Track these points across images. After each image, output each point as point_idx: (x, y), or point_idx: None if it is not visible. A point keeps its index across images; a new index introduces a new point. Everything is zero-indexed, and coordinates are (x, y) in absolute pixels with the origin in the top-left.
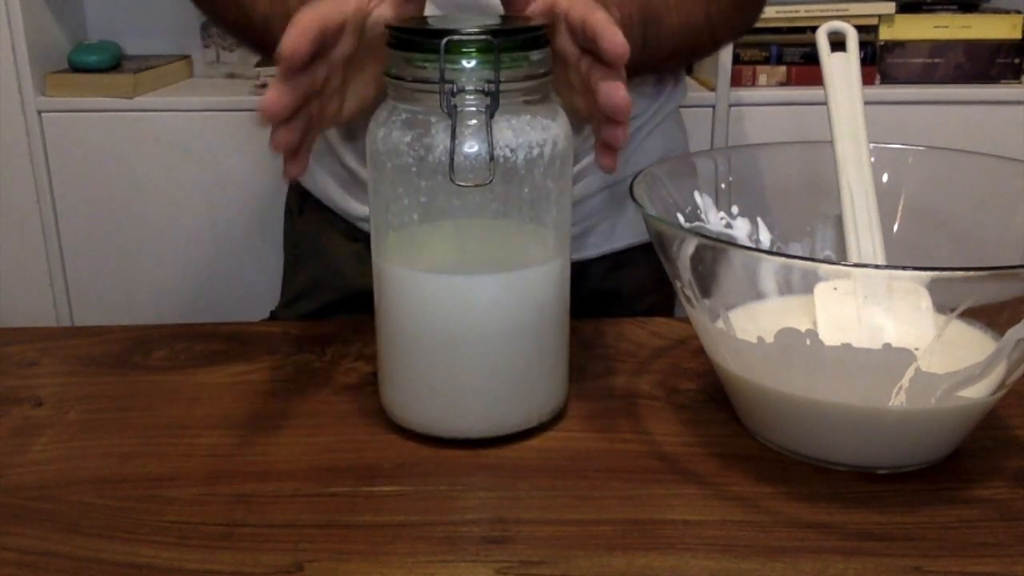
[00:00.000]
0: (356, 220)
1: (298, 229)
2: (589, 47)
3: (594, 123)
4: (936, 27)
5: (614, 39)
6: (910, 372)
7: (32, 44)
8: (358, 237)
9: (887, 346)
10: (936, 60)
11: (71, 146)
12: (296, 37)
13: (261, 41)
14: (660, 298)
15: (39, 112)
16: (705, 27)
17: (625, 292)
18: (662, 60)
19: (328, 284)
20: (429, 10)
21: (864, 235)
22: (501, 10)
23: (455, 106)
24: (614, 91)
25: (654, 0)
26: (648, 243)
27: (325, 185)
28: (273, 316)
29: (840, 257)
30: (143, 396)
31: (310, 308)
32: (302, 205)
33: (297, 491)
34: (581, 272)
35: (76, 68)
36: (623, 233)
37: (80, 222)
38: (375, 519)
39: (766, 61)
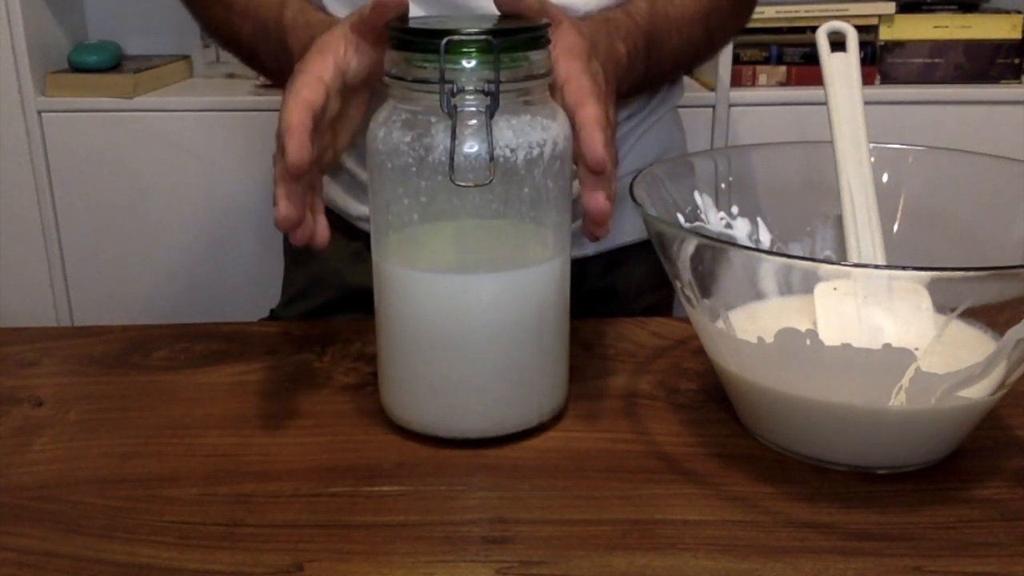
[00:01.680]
0: (354, 220)
1: None
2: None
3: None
4: (936, 27)
5: (593, 150)
6: (910, 372)
7: (32, 44)
8: (357, 236)
9: (887, 346)
10: (936, 60)
11: (71, 146)
12: (297, 147)
13: (249, 61)
14: (658, 297)
15: (39, 112)
16: (705, 40)
17: (622, 291)
18: (665, 77)
19: (327, 283)
20: (421, 12)
21: (864, 235)
22: (491, 12)
23: (455, 106)
24: (593, 201)
25: (658, 25)
26: (645, 241)
27: (323, 185)
28: (273, 315)
29: (840, 257)
30: (143, 396)
31: (309, 307)
32: None
33: (297, 491)
34: (578, 271)
35: (76, 68)
36: (619, 231)
37: (80, 222)
38: (375, 519)
39: (766, 61)
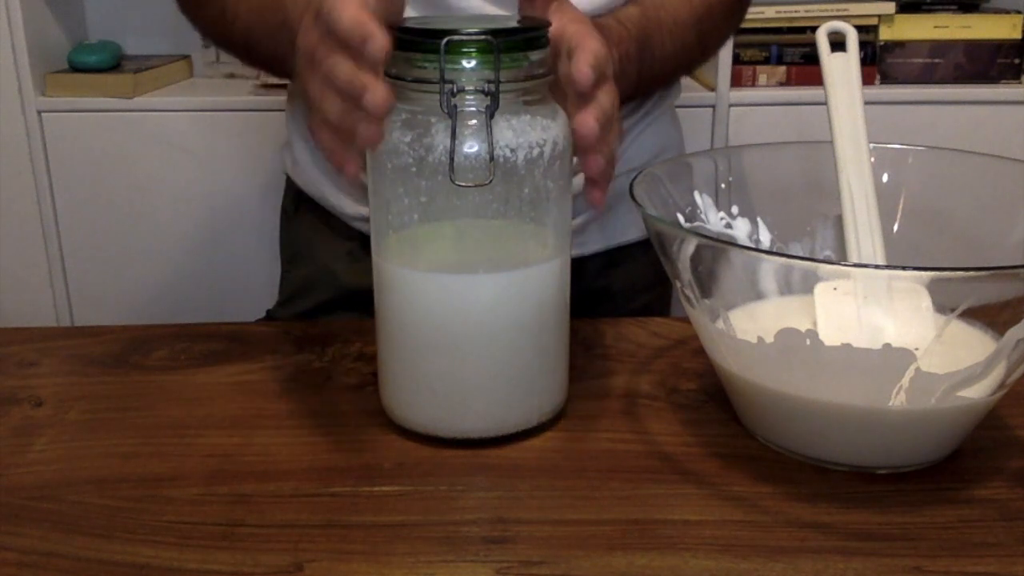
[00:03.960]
0: (350, 219)
1: (293, 229)
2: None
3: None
4: (936, 27)
5: (580, 67)
6: (910, 372)
7: (32, 44)
8: (352, 236)
9: (887, 346)
10: (936, 60)
11: (71, 146)
12: (382, 33)
13: (246, 52)
14: (654, 296)
15: (39, 112)
16: (697, 45)
17: (619, 290)
18: (658, 84)
19: (322, 283)
20: (415, 14)
21: (864, 235)
22: (486, 12)
23: (455, 106)
24: (581, 119)
25: (649, 31)
26: (642, 241)
27: (319, 184)
28: (269, 315)
29: (840, 257)
30: (143, 396)
31: (305, 307)
32: (297, 205)
33: (297, 491)
34: (575, 270)
35: (76, 68)
36: (616, 231)
37: (80, 222)
38: (375, 519)
39: (766, 61)
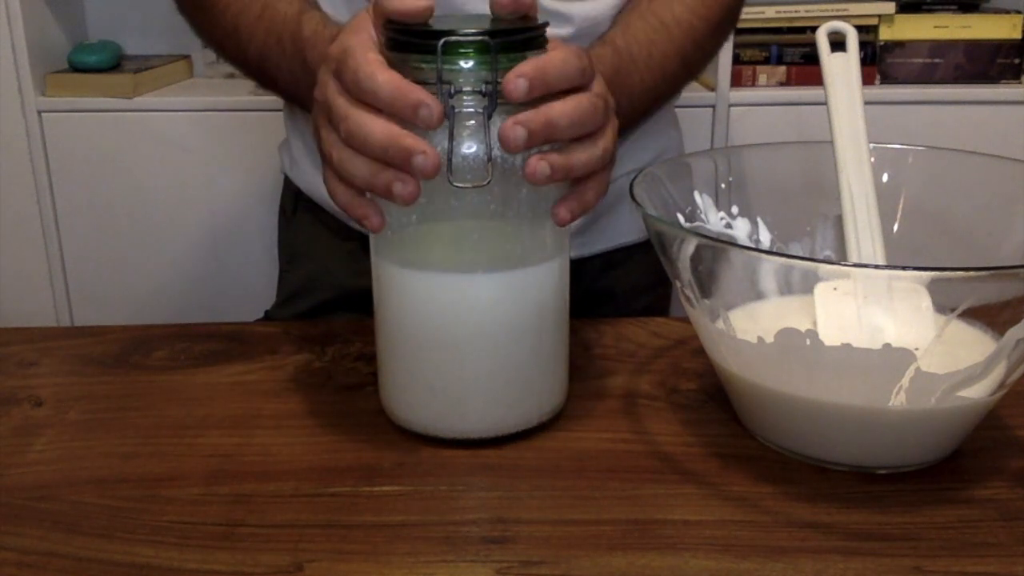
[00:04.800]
0: (349, 220)
1: (292, 229)
2: None
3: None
4: (936, 27)
5: (509, 76)
6: (910, 372)
7: (32, 44)
8: (351, 236)
9: (887, 346)
10: (936, 60)
11: (71, 146)
12: (433, 98)
13: (257, 77)
14: (655, 298)
15: (39, 112)
16: (682, 70)
17: (619, 291)
18: (642, 115)
19: (321, 283)
20: None
21: (864, 235)
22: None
23: (453, 107)
24: (502, 125)
25: (622, 70)
26: (642, 242)
27: (317, 184)
28: (267, 316)
29: (840, 257)
30: (143, 396)
31: (304, 308)
32: (296, 205)
33: (297, 491)
34: (575, 271)
35: (76, 68)
36: (616, 232)
37: (80, 222)
38: (375, 519)
39: (766, 61)
